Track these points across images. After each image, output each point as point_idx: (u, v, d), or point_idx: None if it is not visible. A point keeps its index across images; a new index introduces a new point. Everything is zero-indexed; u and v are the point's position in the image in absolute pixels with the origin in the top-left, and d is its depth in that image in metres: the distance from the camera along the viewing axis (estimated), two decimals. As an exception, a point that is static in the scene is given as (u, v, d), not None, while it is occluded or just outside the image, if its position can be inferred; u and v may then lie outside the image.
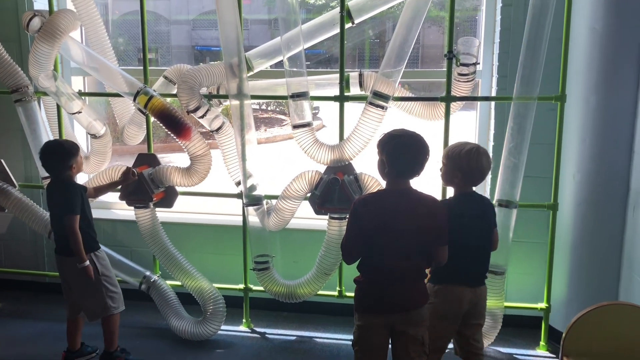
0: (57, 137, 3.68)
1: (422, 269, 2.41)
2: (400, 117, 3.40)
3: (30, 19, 3.38)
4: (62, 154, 3.03)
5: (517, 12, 3.35)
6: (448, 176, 2.66)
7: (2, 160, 3.70)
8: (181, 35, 19.39)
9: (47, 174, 3.58)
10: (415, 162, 2.35)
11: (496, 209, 3.14)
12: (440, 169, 2.71)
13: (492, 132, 3.55)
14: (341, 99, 3.34)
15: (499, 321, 3.27)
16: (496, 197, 3.17)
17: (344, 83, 3.32)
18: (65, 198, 2.99)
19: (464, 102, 3.32)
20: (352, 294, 3.48)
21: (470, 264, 2.58)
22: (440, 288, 2.59)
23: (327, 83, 3.53)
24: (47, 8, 3.58)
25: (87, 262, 2.97)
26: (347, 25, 3.30)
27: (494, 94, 3.53)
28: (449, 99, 3.23)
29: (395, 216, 2.32)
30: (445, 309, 2.57)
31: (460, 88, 3.24)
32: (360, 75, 3.35)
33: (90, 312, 3.10)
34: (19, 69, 3.56)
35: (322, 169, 3.33)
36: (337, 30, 3.32)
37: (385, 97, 3.14)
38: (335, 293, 3.57)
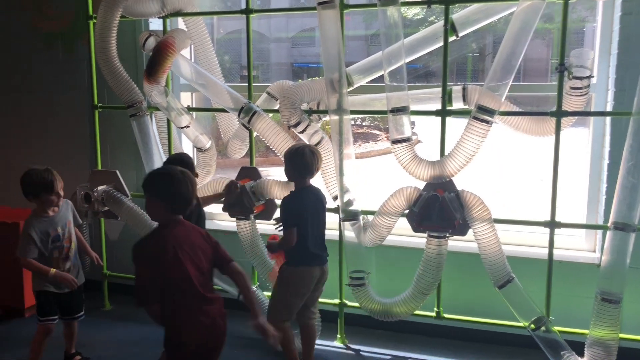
0: (167, 150, 3.88)
1: None
2: (506, 132, 3.26)
3: (146, 39, 3.60)
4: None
5: (638, 21, 3.12)
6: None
7: (117, 171, 3.96)
8: (281, 53, 19.96)
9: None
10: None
11: (611, 232, 2.93)
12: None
13: (607, 149, 3.32)
14: (443, 113, 3.26)
15: (612, 354, 3.01)
16: (611, 219, 2.94)
17: (447, 97, 3.24)
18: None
19: (576, 117, 3.13)
20: (452, 316, 3.42)
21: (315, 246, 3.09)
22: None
23: (427, 97, 3.46)
24: (161, 28, 3.80)
25: None
26: (451, 39, 3.23)
27: (609, 108, 3.30)
28: (560, 114, 3.05)
29: None
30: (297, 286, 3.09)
31: (572, 102, 3.06)
32: (464, 89, 3.25)
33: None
34: (135, 85, 3.80)
35: (420, 185, 3.26)
36: (440, 44, 3.25)
37: (490, 112, 3.03)
38: (433, 314, 3.47)
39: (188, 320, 2.35)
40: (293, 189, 3.22)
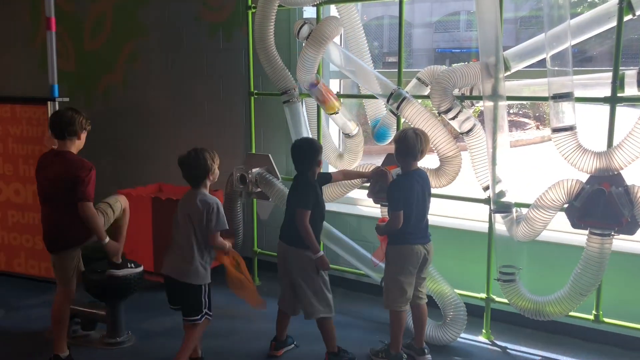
0: (317, 135, 3.99)
1: None
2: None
3: (301, 27, 3.71)
4: (309, 151, 3.13)
5: None
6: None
7: (270, 155, 4.15)
8: (424, 38, 19.60)
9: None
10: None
11: None
12: None
13: None
14: (613, 100, 2.98)
15: None
16: None
17: (618, 82, 2.95)
18: (300, 192, 3.13)
19: None
20: (615, 322, 3.15)
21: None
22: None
23: (594, 83, 3.19)
24: (314, 16, 3.89)
25: (322, 253, 3.09)
26: (626, 18, 2.93)
27: None
28: None
29: None
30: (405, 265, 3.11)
31: None
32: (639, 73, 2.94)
33: (308, 309, 3.12)
34: (288, 73, 3.94)
35: (582, 177, 3.02)
36: (613, 24, 2.97)
37: (671, 99, 2.71)
38: (591, 317, 3.22)
39: None
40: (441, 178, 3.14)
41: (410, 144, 3.02)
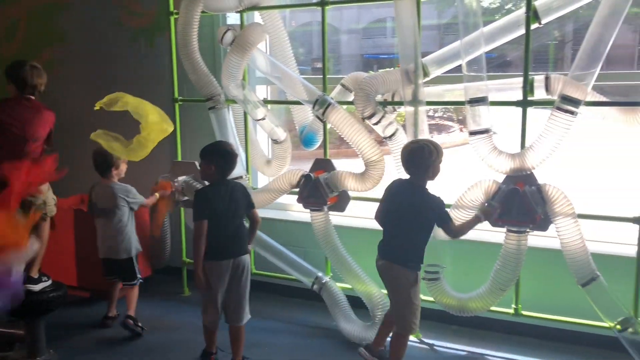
0: (244, 142, 3.97)
1: None
2: (589, 122, 3.11)
3: (224, 33, 3.69)
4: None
5: None
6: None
7: (196, 162, 4.08)
8: (352, 44, 19.90)
9: (235, 176, 3.88)
10: None
11: None
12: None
13: None
14: (525, 103, 3.15)
15: None
16: None
17: (528, 87, 3.12)
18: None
19: (670, 107, 2.95)
20: (531, 314, 3.31)
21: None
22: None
23: (507, 87, 3.35)
24: (239, 22, 3.87)
25: None
26: (533, 26, 3.11)
27: None
28: (652, 103, 2.88)
29: None
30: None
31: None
32: (547, 78, 3.12)
33: None
34: (214, 79, 3.90)
35: (499, 178, 3.17)
36: (522, 32, 3.14)
37: (575, 102, 2.90)
38: (511, 310, 3.37)
39: None
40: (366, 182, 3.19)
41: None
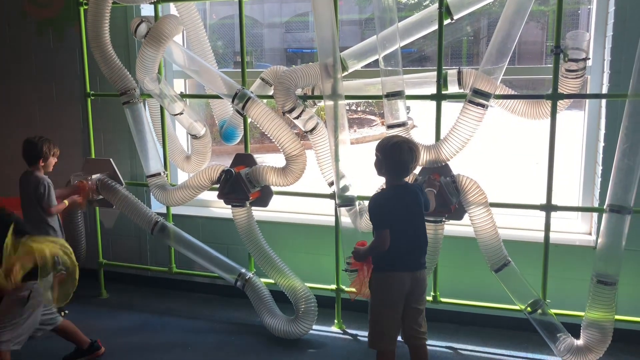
0: (161, 137, 3.85)
1: None
2: (500, 115, 3.25)
3: (138, 25, 3.55)
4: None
5: (634, 3, 3.10)
6: (378, 167, 2.80)
7: (111, 159, 3.93)
8: (274, 38, 19.81)
9: (152, 173, 3.78)
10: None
11: (607, 215, 2.93)
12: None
13: (602, 131, 3.31)
14: (439, 97, 3.24)
15: (608, 335, 3.03)
16: (607, 201, 2.94)
17: (442, 81, 3.22)
18: None
19: (571, 100, 3.13)
20: (450, 300, 3.43)
21: (405, 250, 2.72)
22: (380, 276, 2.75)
23: (422, 82, 3.44)
24: (153, 14, 3.75)
25: None
26: (446, 22, 3.20)
27: (605, 90, 3.29)
28: (555, 96, 3.04)
29: None
30: (388, 296, 2.73)
31: (568, 85, 3.04)
32: (459, 72, 3.23)
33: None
34: (128, 72, 3.76)
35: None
36: (435, 27, 3.23)
37: (486, 95, 3.01)
38: (430, 298, 3.47)
39: None
40: (287, 177, 3.17)
41: (404, 159, 2.73)
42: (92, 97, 4.02)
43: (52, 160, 3.64)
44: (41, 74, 4.39)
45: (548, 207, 3.17)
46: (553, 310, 3.17)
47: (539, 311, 3.14)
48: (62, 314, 3.76)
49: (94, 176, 3.83)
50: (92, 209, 4.10)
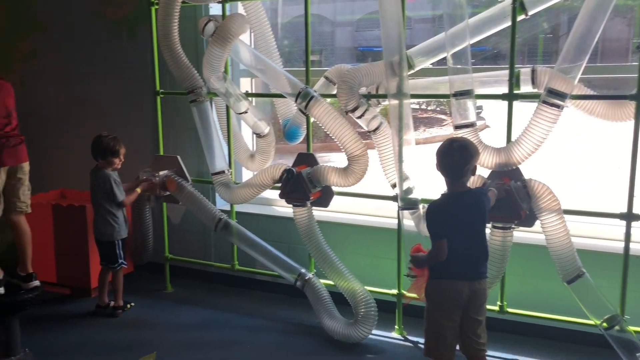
0: (227, 136, 3.89)
1: None
2: (577, 117, 3.05)
3: (206, 24, 3.60)
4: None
5: None
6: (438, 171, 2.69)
7: (178, 157, 4.01)
8: (345, 37, 19.80)
9: (217, 170, 3.83)
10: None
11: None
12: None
13: (693, 135, 3.03)
14: (510, 97, 3.08)
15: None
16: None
17: (514, 80, 3.05)
18: None
19: (658, 100, 2.88)
20: (517, 311, 3.26)
21: (463, 259, 2.60)
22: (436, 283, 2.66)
23: (493, 80, 3.28)
24: (221, 13, 3.79)
25: None
26: (520, 18, 3.03)
27: (697, 91, 3.01)
28: (640, 97, 2.81)
29: None
30: (443, 305, 2.63)
31: (654, 84, 2.80)
32: (533, 71, 3.05)
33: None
34: (195, 71, 3.81)
35: (485, 173, 3.11)
36: (508, 23, 3.07)
37: (561, 95, 2.83)
38: (496, 307, 3.31)
39: None
40: (349, 177, 3.10)
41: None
42: (162, 95, 4.11)
43: (118, 159, 3.77)
44: (115, 72, 4.54)
45: (629, 216, 2.94)
46: (632, 328, 2.94)
47: (617, 327, 2.92)
48: (128, 305, 3.88)
49: (161, 172, 3.92)
50: (159, 205, 4.19)
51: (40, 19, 4.77)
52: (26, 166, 3.48)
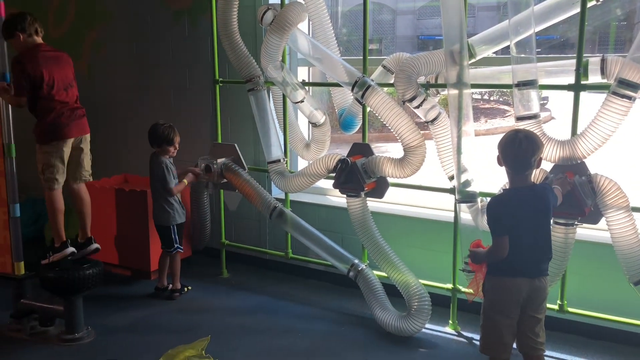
0: (283, 125, 3.91)
1: None
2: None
3: (264, 13, 3.61)
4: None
5: None
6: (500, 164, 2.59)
7: (236, 145, 4.06)
8: (406, 25, 19.51)
9: (273, 159, 3.85)
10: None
11: None
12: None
13: None
14: (577, 87, 2.94)
15: None
16: None
17: (582, 70, 2.91)
18: None
19: None
20: (578, 311, 3.13)
21: (525, 256, 2.51)
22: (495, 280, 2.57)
23: (560, 70, 3.15)
24: (279, 2, 3.79)
25: None
26: (590, 4, 2.88)
27: None
28: None
29: None
30: (501, 302, 2.55)
31: None
32: (603, 60, 2.89)
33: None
34: (253, 60, 3.84)
35: (548, 166, 2.98)
36: (577, 10, 2.92)
37: (634, 86, 2.67)
38: (556, 307, 3.19)
39: None
40: (405, 169, 3.04)
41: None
42: (221, 84, 4.17)
43: (172, 147, 3.86)
44: (176, 60, 4.64)
45: None
46: None
47: (687, 334, 2.75)
48: (186, 289, 3.98)
49: (219, 160, 3.98)
50: (217, 192, 4.27)
51: (106, 9, 4.93)
52: (89, 137, 3.57)
